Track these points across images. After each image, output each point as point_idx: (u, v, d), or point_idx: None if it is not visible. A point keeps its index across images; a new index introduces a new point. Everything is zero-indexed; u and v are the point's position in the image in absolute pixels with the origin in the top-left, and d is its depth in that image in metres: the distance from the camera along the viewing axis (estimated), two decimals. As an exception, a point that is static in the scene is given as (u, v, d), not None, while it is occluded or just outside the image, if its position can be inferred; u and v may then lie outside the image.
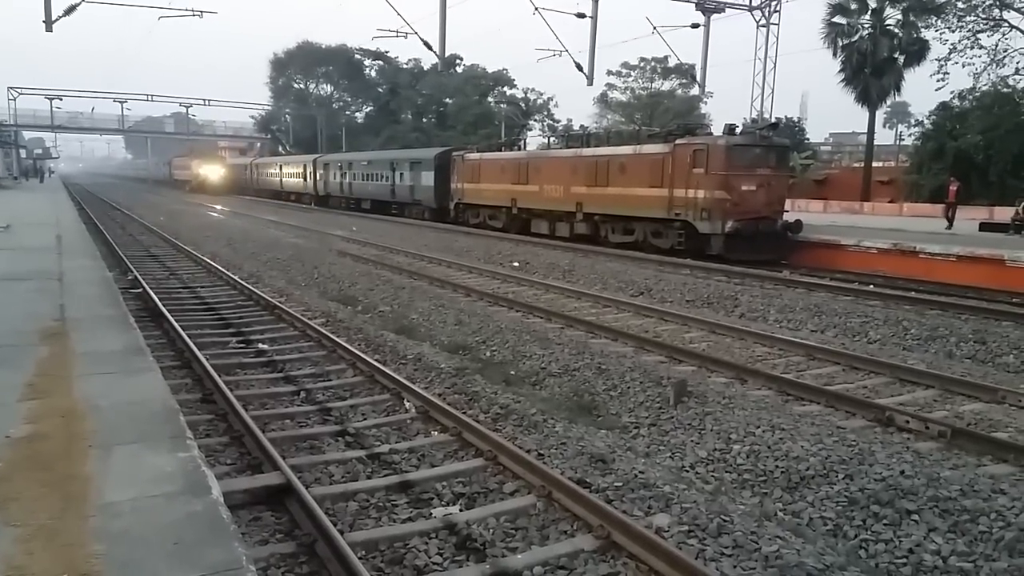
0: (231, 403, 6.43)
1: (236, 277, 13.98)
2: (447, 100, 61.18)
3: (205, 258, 16.93)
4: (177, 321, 9.63)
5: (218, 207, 40.53)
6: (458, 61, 60.84)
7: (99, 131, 77.04)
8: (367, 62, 67.32)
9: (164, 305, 10.71)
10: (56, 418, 4.32)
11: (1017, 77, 28.87)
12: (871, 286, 14.21)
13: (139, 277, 13.26)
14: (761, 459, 5.68)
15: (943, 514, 4.69)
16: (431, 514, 4.76)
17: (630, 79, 55.99)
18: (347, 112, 69.50)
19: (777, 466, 5.54)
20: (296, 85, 71.01)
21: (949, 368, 8.49)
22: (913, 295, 12.93)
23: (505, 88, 60.79)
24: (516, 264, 17.54)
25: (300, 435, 6.16)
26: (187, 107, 69.36)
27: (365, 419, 6.61)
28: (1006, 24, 26.88)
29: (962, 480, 5.03)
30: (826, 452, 5.58)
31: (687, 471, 5.72)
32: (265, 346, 9.09)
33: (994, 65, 28.39)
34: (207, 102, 67.62)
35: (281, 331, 9.97)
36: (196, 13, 30.32)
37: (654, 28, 28.64)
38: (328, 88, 70.58)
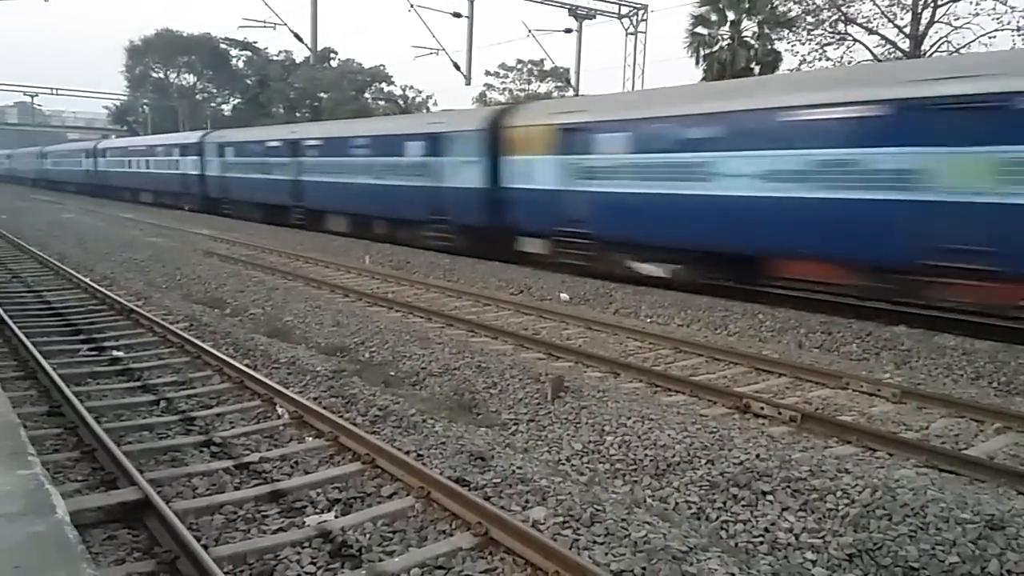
0: (81, 415, 5.95)
1: (88, 279, 12.95)
2: (322, 95, 59.45)
3: (52, 259, 15.59)
4: (20, 328, 8.83)
5: (67, 203, 37.40)
6: (332, 55, 59.25)
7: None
8: (234, 52, 64.14)
9: (5, 311, 9.77)
10: None
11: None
12: (730, 282, 15.09)
13: (-27, 280, 12.04)
14: (632, 449, 5.91)
15: (795, 494, 5.03)
16: (304, 523, 4.61)
17: (508, 80, 56.76)
18: (212, 104, 66.04)
19: (646, 454, 5.78)
20: (155, 74, 66.60)
21: (799, 357, 9.18)
22: (768, 291, 13.85)
23: (382, 85, 59.91)
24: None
25: (160, 447, 5.78)
26: (32, 96, 63.49)
27: (233, 427, 6.30)
28: (850, 38, 29.31)
29: (811, 461, 5.42)
30: (690, 439, 5.88)
31: (563, 464, 5.86)
32: (120, 353, 8.47)
33: (840, 76, 30.86)
34: (55, 91, 62.17)
35: (139, 337, 9.33)
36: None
37: (529, 31, 29.21)
38: (191, 78, 66.73)
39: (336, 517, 4.69)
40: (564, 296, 12.89)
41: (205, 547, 4.09)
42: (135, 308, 10.58)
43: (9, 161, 69.07)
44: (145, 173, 36.63)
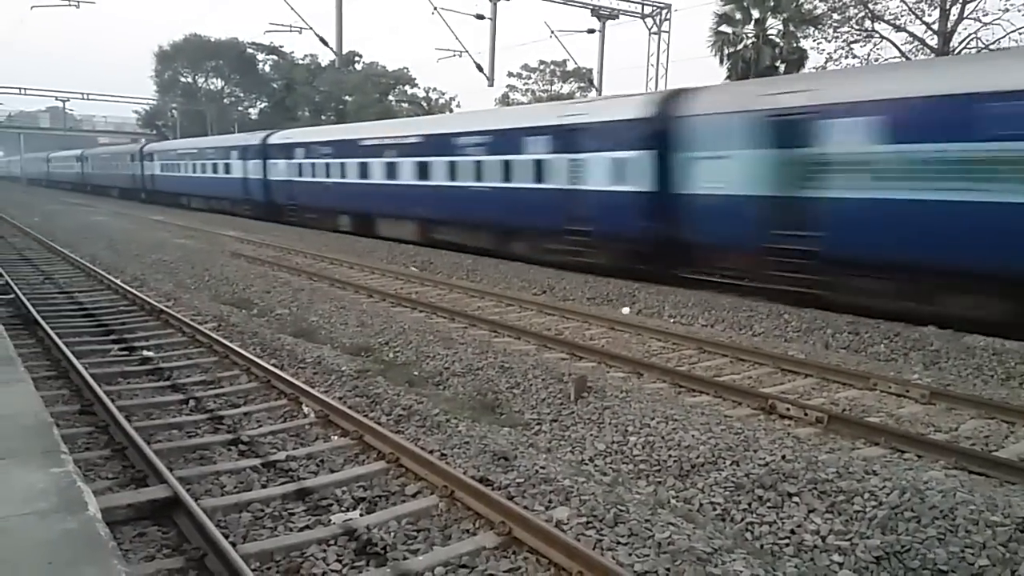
0: (112, 414, 6.07)
1: (118, 281, 13.20)
2: (346, 98, 59.90)
3: (84, 261, 15.90)
4: (52, 328, 9.02)
5: (98, 206, 38.07)
6: (357, 58, 59.69)
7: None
8: (260, 56, 64.97)
9: (38, 311, 10.01)
10: (-91, 437, 3.94)
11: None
12: (755, 282, 14.93)
13: (10, 282, 12.34)
14: (656, 449, 5.89)
15: (821, 495, 4.98)
16: (330, 521, 4.66)
17: (530, 81, 56.81)
18: (239, 108, 66.92)
19: (670, 455, 5.76)
20: (183, 79, 67.64)
21: (826, 358, 9.07)
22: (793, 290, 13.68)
23: (406, 87, 60.25)
24: (413, 268, 17.41)
25: (189, 445, 5.88)
26: (64, 101, 64.63)
27: (260, 426, 6.39)
28: (877, 35, 28.85)
29: (838, 463, 5.36)
30: (715, 440, 5.84)
31: (586, 464, 5.85)
32: (150, 353, 8.62)
33: (867, 74, 30.32)
34: (86, 96, 63.21)
35: (168, 337, 9.49)
36: (73, 3, 28.39)
37: (552, 32, 29.17)
38: (218, 82, 67.67)
39: (361, 515, 4.74)
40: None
41: (233, 544, 4.15)
42: (165, 308, 10.76)
43: (82, 164, 50.49)
44: (465, 192, 17.88)
